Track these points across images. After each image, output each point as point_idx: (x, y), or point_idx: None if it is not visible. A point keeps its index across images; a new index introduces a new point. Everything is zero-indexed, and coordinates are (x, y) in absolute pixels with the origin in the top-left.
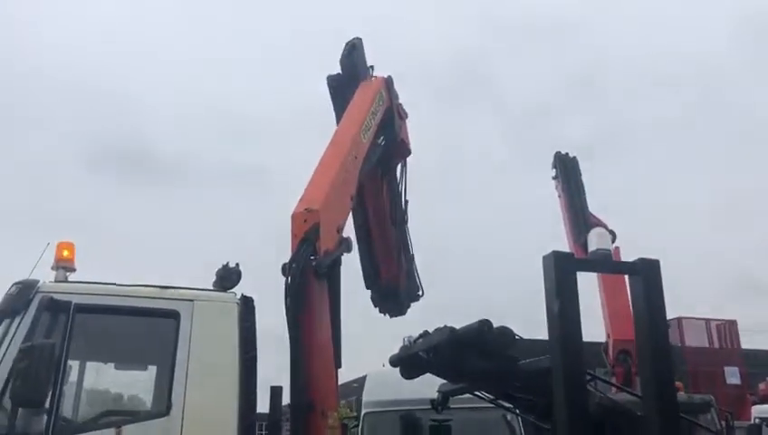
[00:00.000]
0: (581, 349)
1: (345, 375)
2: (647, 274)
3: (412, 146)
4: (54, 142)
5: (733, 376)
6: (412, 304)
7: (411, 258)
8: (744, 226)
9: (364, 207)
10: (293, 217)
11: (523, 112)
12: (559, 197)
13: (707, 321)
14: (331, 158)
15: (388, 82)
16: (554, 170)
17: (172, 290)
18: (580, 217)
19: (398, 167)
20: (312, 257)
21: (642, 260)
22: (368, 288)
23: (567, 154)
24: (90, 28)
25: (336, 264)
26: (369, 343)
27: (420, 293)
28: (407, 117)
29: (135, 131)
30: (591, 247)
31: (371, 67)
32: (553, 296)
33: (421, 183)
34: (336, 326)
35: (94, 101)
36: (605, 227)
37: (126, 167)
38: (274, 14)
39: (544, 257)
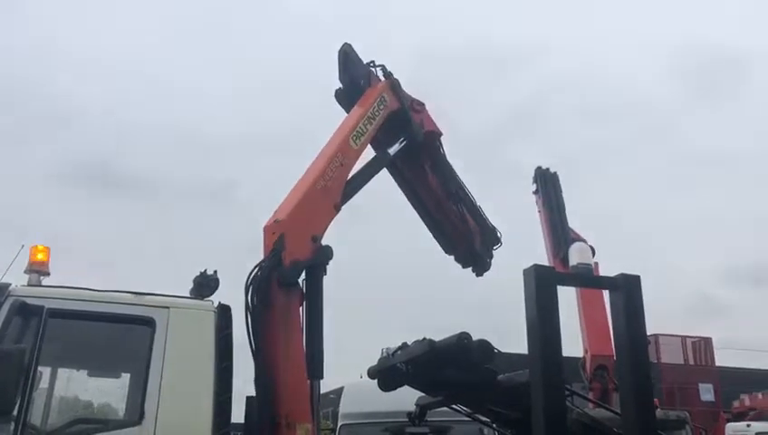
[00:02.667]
0: (561, 363)
1: (323, 386)
2: (627, 289)
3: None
4: (28, 158)
5: (707, 393)
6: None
7: (479, 214)
8: (698, 247)
9: (417, 193)
10: (265, 229)
11: (471, 140)
12: (539, 211)
13: (683, 338)
14: (312, 167)
15: (393, 85)
16: (535, 185)
17: (148, 297)
18: (559, 232)
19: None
20: (277, 267)
21: (623, 275)
22: (448, 254)
23: (548, 169)
24: (64, 49)
25: (315, 272)
26: (347, 354)
27: (499, 236)
28: (424, 106)
29: (105, 149)
30: (572, 262)
31: (372, 62)
32: (534, 310)
33: (382, 212)
34: (316, 336)
35: (66, 118)
36: (585, 242)
37: (98, 183)
38: (244, 36)
39: (525, 271)
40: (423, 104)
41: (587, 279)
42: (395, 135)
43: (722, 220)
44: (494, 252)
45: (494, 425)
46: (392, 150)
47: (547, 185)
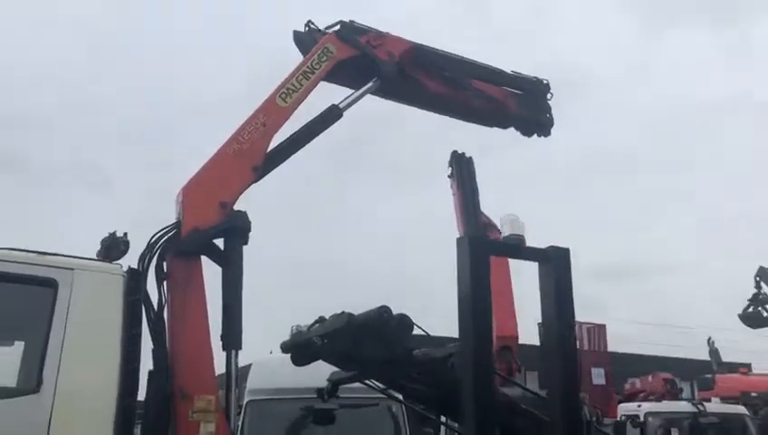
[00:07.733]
0: (491, 335)
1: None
2: (558, 262)
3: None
4: None
5: (599, 377)
6: None
7: (507, 77)
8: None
9: (425, 103)
10: (176, 198)
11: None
12: (453, 195)
13: (580, 324)
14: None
15: (341, 33)
16: (450, 169)
17: (51, 257)
18: (471, 215)
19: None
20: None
21: (554, 247)
22: (505, 128)
23: (463, 154)
24: None
25: (231, 239)
26: (257, 331)
27: (545, 83)
28: (384, 35)
29: None
30: (505, 232)
31: (308, 22)
32: (467, 281)
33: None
34: (233, 306)
35: None
36: (495, 225)
37: None
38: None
39: (458, 240)
40: (383, 34)
41: (518, 249)
42: (368, 78)
43: (577, 223)
44: (549, 103)
45: (402, 400)
46: (343, 104)
47: (462, 169)
